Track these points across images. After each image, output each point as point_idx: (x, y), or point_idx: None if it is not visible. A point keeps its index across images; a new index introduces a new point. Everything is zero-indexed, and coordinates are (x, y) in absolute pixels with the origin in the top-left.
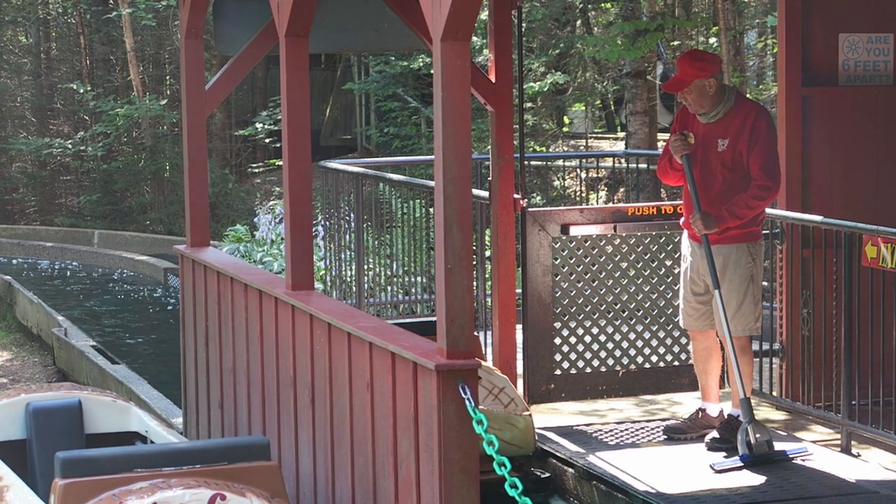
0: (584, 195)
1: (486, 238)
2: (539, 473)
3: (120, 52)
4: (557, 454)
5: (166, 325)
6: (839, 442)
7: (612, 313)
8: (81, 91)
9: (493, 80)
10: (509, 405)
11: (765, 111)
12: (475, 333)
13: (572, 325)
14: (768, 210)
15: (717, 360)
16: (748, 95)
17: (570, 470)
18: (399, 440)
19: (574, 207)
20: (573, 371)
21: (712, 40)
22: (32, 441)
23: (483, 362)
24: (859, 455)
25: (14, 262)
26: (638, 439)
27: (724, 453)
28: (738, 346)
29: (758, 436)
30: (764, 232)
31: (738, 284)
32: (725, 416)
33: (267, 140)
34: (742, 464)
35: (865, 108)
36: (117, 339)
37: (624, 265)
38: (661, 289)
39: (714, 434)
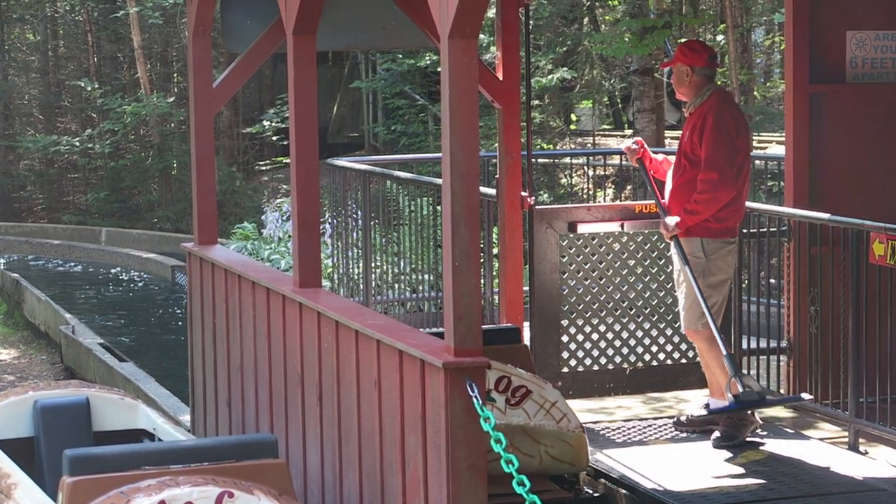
0: (591, 193)
1: (494, 235)
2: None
3: (127, 50)
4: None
5: (174, 322)
6: (847, 439)
7: (619, 311)
8: (89, 88)
9: (501, 78)
10: (561, 421)
11: (719, 107)
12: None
13: (580, 322)
14: (776, 207)
15: (716, 355)
16: (755, 93)
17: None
18: (407, 438)
19: (581, 205)
20: (581, 369)
21: (720, 37)
22: (40, 438)
23: (535, 376)
24: (867, 452)
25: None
26: (645, 437)
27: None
28: (694, 340)
29: (748, 387)
30: (773, 229)
31: (687, 278)
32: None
33: (274, 138)
34: (735, 408)
35: (873, 105)
36: (125, 336)
37: (631, 263)
38: (668, 286)
39: (716, 433)
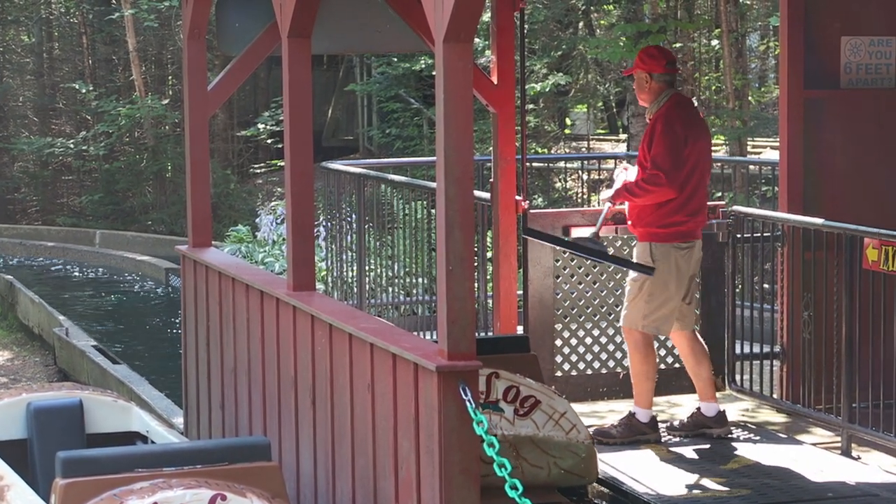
0: (585, 197)
1: (488, 239)
2: None
3: (122, 52)
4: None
5: (167, 325)
6: (839, 444)
7: (612, 315)
8: (84, 91)
9: (496, 82)
10: (571, 432)
11: (670, 114)
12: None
13: (573, 326)
14: (769, 213)
15: (699, 359)
16: (750, 98)
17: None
18: (400, 441)
19: (575, 209)
20: (574, 373)
21: (714, 42)
22: (33, 441)
23: (544, 385)
24: (860, 458)
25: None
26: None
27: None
28: (627, 339)
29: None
30: (766, 234)
31: (635, 279)
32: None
33: (269, 141)
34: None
35: (867, 110)
36: (118, 339)
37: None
38: None
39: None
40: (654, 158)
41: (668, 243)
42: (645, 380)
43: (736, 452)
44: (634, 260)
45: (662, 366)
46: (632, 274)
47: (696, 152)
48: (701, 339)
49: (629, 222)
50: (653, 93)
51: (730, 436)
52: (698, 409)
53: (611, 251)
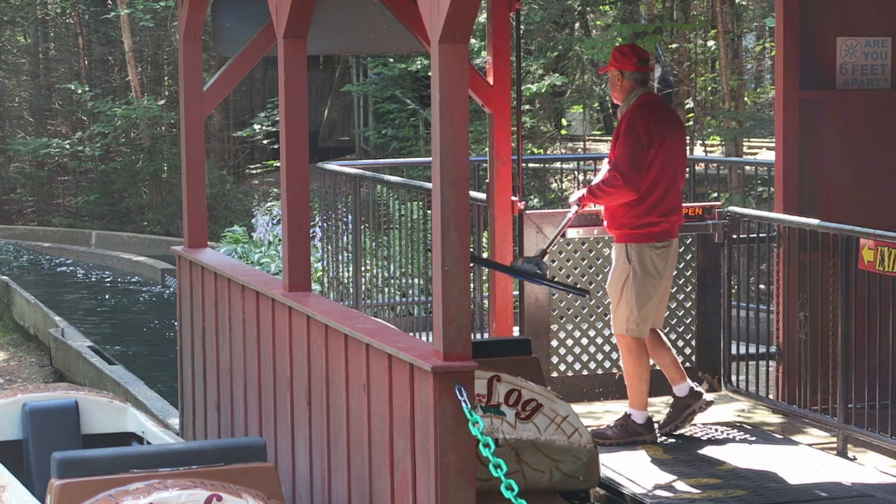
0: None
1: (484, 240)
2: None
3: (118, 53)
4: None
5: (163, 326)
6: (835, 445)
7: (608, 315)
8: (80, 91)
9: (492, 83)
10: (573, 435)
11: (635, 113)
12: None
13: (569, 327)
14: (765, 213)
15: (660, 350)
16: (746, 99)
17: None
18: (395, 442)
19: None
20: (570, 373)
21: (710, 43)
22: (29, 441)
23: (546, 389)
24: (855, 458)
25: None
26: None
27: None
28: (620, 344)
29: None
30: (762, 235)
31: (614, 282)
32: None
33: (265, 141)
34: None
35: (863, 111)
36: (114, 339)
37: None
38: None
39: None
40: (615, 160)
41: (644, 244)
42: (639, 382)
43: (732, 453)
44: (612, 261)
45: (657, 366)
46: (610, 280)
47: (665, 153)
48: (661, 336)
49: (605, 223)
50: (624, 91)
51: (711, 403)
52: (673, 395)
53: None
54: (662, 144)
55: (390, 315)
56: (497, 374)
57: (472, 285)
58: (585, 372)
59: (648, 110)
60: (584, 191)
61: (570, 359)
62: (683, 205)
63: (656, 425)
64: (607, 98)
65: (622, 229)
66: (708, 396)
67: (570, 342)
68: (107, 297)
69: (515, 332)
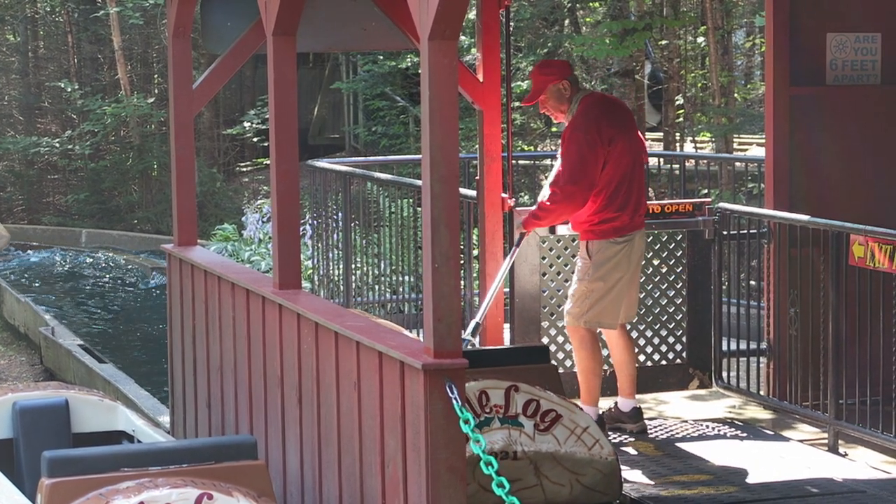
0: None
1: (474, 237)
2: None
3: (108, 51)
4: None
5: (153, 324)
6: (826, 441)
7: None
8: (69, 90)
9: (481, 79)
10: (594, 447)
11: (575, 123)
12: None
13: (560, 324)
14: (756, 209)
15: (628, 355)
16: (736, 95)
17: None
18: (386, 439)
19: None
20: (561, 370)
21: (700, 39)
22: (19, 440)
23: (565, 399)
24: (846, 454)
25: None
26: (624, 438)
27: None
28: (572, 337)
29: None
30: (752, 231)
31: (574, 277)
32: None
33: (255, 139)
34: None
35: (853, 107)
36: (103, 337)
37: None
38: (648, 287)
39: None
40: (557, 175)
41: (604, 239)
42: (594, 377)
43: (723, 449)
44: (578, 255)
45: (649, 363)
46: (577, 275)
47: (617, 151)
48: (629, 336)
49: (569, 224)
50: (568, 100)
51: (644, 432)
52: (616, 404)
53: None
54: (613, 143)
55: (381, 312)
56: (515, 383)
57: (462, 282)
58: (575, 368)
59: (592, 114)
60: (524, 217)
61: (560, 355)
62: (674, 201)
63: (651, 423)
64: None
65: (583, 226)
66: (644, 426)
67: (560, 339)
68: (96, 295)
69: (506, 329)
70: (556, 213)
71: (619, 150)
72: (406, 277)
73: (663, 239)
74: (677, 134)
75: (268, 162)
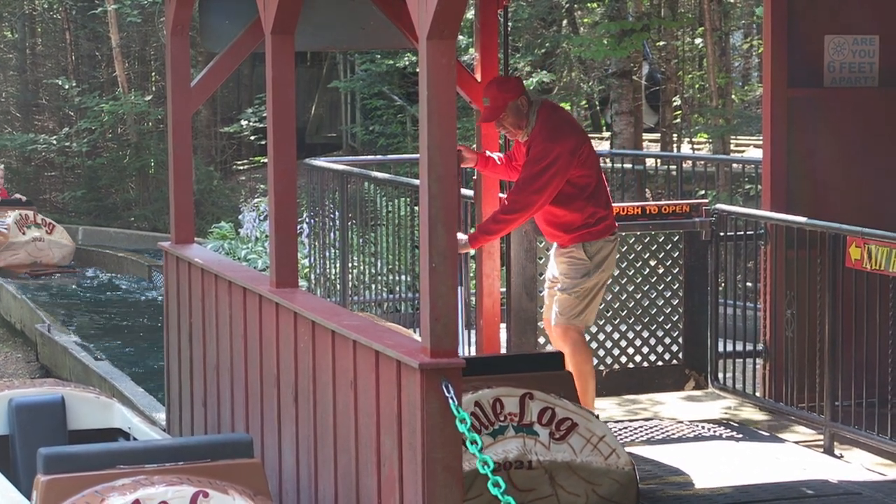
0: None
1: None
2: None
3: (105, 48)
4: None
5: (150, 321)
6: (822, 443)
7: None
8: (67, 87)
9: (479, 79)
10: (610, 457)
11: (544, 132)
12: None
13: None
14: (753, 211)
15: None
16: (733, 96)
17: None
18: (382, 438)
19: None
20: None
21: (698, 41)
22: (15, 437)
23: (580, 407)
24: (842, 456)
25: None
26: (620, 439)
27: None
28: (565, 340)
29: None
30: (749, 233)
31: (571, 280)
32: None
33: (252, 137)
34: None
35: (851, 109)
36: (100, 335)
37: None
38: (644, 288)
39: None
40: (518, 181)
41: (601, 238)
42: (592, 379)
43: (718, 450)
44: (564, 265)
45: (645, 364)
46: (566, 281)
47: (585, 153)
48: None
49: (553, 242)
50: (526, 114)
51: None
52: None
53: None
54: (582, 146)
55: (378, 311)
56: (530, 391)
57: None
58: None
59: (555, 123)
60: (464, 237)
61: None
62: (671, 202)
63: (646, 423)
64: (595, 95)
65: (579, 231)
66: None
67: None
68: (93, 293)
69: (502, 328)
70: (512, 224)
71: (587, 149)
72: (403, 277)
73: (660, 240)
74: (674, 135)
75: (265, 160)
